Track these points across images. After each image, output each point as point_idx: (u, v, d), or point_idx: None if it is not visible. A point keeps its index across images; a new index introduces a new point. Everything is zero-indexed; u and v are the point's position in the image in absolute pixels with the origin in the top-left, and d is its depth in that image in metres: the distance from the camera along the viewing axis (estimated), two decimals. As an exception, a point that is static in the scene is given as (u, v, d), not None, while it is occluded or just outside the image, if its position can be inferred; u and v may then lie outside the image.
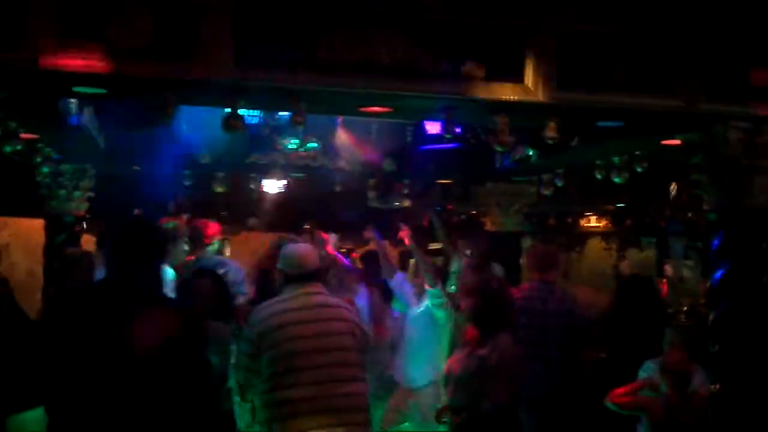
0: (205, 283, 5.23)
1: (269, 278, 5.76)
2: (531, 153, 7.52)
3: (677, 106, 5.28)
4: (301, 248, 4.89)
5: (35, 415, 3.83)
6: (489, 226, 9.65)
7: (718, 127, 5.52)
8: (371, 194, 9.34)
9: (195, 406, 3.39)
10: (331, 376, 4.47)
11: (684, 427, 5.58)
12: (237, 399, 5.28)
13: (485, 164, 8.43)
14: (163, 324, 3.35)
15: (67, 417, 3.32)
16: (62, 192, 8.25)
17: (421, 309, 7.02)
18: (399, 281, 7.77)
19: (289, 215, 9.81)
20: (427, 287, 6.86)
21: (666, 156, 6.61)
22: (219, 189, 8.97)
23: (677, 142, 6.05)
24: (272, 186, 9.14)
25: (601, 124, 5.75)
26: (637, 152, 6.68)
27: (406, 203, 9.82)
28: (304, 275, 4.68)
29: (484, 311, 5.28)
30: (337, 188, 9.18)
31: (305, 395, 4.40)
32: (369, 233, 8.00)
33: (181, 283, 5.30)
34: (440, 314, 6.75)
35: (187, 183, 9.13)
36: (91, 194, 8.42)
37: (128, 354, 3.27)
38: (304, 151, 8.47)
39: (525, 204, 9.51)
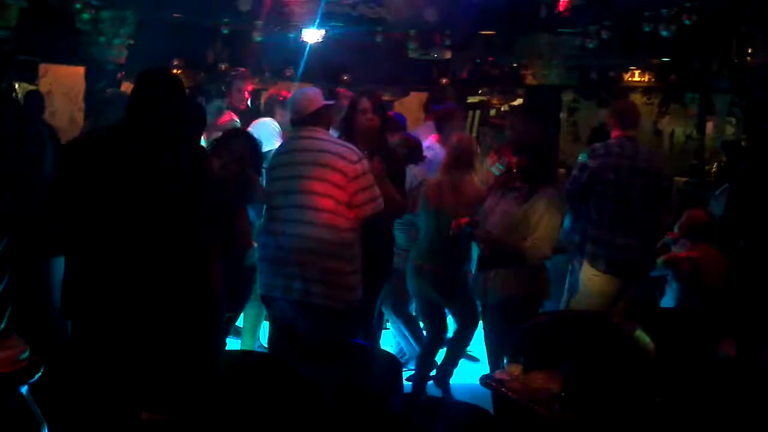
0: (237, 144, 5.25)
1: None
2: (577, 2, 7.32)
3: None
4: (297, 93, 4.91)
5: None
6: (530, 79, 9.50)
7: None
8: (412, 45, 9.20)
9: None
10: (296, 217, 4.48)
11: (711, 283, 5.51)
12: None
13: (529, 14, 8.24)
14: (168, 164, 3.53)
15: (83, 257, 3.50)
16: (102, 39, 8.24)
17: None
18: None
19: (328, 66, 9.71)
20: None
21: (715, 7, 6.40)
22: (257, 38, 8.90)
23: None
24: (312, 36, 9.00)
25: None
26: (686, 3, 6.47)
27: (447, 55, 9.68)
28: (299, 120, 4.71)
29: (529, 167, 5.17)
30: (378, 39, 9.05)
31: (276, 231, 4.55)
32: None
33: (215, 144, 5.32)
34: None
35: (225, 31, 9.07)
36: (131, 42, 8.39)
37: (134, 193, 3.44)
38: (344, 0, 8.33)
39: (568, 57, 9.29)
